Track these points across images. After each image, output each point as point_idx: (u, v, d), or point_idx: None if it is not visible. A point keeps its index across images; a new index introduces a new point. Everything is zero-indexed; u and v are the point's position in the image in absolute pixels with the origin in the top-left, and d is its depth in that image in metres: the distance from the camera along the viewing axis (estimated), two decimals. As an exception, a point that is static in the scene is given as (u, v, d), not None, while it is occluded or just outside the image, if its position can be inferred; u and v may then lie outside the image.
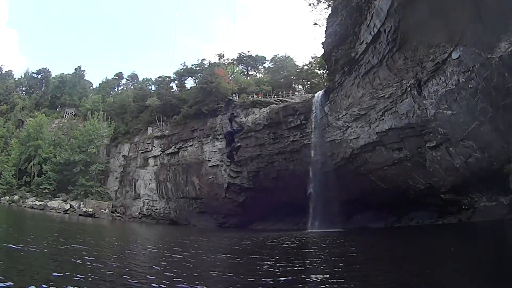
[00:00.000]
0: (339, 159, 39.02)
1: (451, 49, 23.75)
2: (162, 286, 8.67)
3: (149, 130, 62.89)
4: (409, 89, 29.14)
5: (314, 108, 41.51)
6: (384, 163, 34.54)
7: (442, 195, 28.68)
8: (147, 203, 60.93)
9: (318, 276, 10.34)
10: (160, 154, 59.41)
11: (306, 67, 62.20)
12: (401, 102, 30.32)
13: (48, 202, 61.81)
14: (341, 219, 41.53)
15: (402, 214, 35.52)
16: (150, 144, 61.63)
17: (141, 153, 62.90)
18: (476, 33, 21.61)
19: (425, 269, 11.32)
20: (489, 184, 24.10)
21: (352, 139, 36.73)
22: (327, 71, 47.26)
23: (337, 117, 37.68)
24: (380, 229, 35.51)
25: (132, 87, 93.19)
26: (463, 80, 23.57)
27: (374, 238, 26.82)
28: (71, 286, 7.45)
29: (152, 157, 60.69)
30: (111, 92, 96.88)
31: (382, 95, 31.90)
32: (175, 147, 57.35)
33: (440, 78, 25.61)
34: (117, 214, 61.85)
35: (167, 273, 10.70)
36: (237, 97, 53.12)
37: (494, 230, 20.43)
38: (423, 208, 32.90)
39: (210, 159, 52.54)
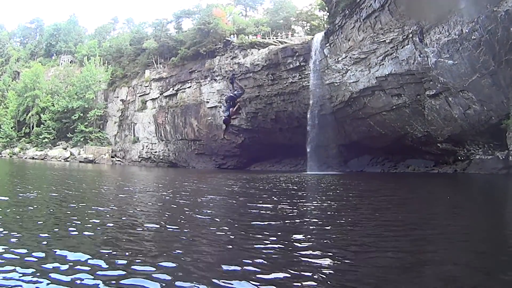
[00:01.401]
0: (338, 102, 38.88)
1: (457, -2, 22.95)
2: (146, 228, 8.83)
3: (147, 73, 61.78)
4: (410, 35, 28.50)
5: (313, 50, 40.71)
6: (383, 108, 34.51)
7: (439, 144, 28.92)
8: (146, 146, 61.37)
9: (311, 220, 10.49)
10: (158, 96, 58.90)
11: (306, 9, 60.40)
12: (402, 48, 29.77)
13: (48, 151, 62.53)
14: (338, 162, 42.30)
15: (398, 161, 36.11)
16: (148, 87, 60.95)
17: (139, 96, 62.32)
18: (483, -17, 20.82)
19: (420, 214, 11.67)
20: (486, 137, 24.19)
21: (351, 82, 36.41)
22: (328, 13, 45.80)
23: (336, 60, 37.10)
24: (376, 173, 36.13)
25: (128, 31, 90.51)
26: (467, 31, 22.95)
27: (370, 182, 27.22)
28: (63, 231, 7.77)
29: (150, 100, 60.21)
30: (107, 36, 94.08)
31: (383, 40, 31.24)
32: (173, 89, 56.79)
33: (443, 27, 24.92)
34: (117, 159, 62.57)
35: (153, 216, 10.92)
36: (235, 38, 51.85)
37: (489, 183, 20.71)
38: (419, 156, 33.40)
39: (208, 100, 52.31)
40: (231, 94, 12.50)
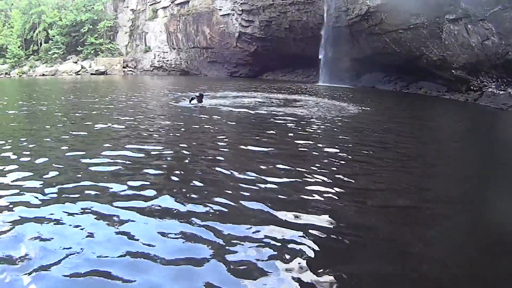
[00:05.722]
0: (354, 15, 37.99)
1: None
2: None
3: (158, -21, 59.83)
4: (434, -48, 27.24)
5: (330, -42, 39.08)
6: (400, 26, 33.82)
7: (453, 71, 28.97)
8: (158, 55, 61.58)
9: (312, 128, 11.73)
10: (170, 4, 57.57)
11: None
12: (424, -35, 28.64)
13: (58, 66, 62.51)
14: (350, 76, 42.69)
15: (411, 81, 36.33)
16: (158, -5, 59.52)
17: (150, 5, 60.97)
18: None
19: (430, 136, 13.03)
20: (501, 72, 24.23)
21: (369, -4, 35.46)
22: None
23: (355, -29, 35.79)
24: (388, 91, 36.75)
25: None
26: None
27: (382, 98, 28.21)
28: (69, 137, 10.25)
29: (162, 8, 59.00)
30: None
31: (405, -46, 29.95)
32: (184, -4, 55.35)
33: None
34: (129, 69, 63.32)
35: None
36: None
37: (499, 116, 21.47)
38: (432, 80, 33.52)
39: (221, 8, 51.15)
40: None
